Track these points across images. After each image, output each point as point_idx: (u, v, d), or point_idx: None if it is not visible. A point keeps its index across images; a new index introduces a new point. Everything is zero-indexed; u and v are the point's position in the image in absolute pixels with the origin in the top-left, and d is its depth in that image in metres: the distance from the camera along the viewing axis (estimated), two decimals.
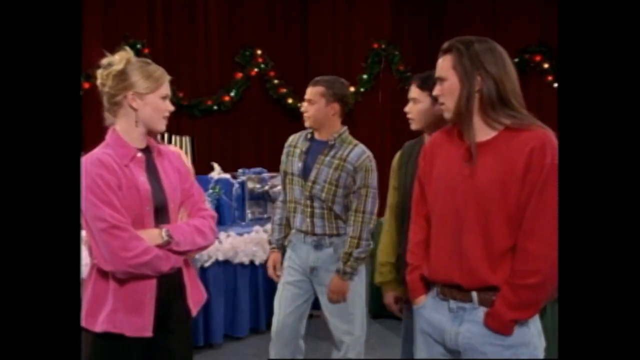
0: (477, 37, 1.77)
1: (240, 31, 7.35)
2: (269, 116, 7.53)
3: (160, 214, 1.93)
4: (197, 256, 3.67)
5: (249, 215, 4.39)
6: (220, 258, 3.87)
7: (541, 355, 1.73)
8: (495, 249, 1.70)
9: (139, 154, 1.92)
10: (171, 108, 1.97)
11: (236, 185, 4.28)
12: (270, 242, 2.98)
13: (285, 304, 2.82)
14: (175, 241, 1.89)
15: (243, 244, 3.99)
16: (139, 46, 6.38)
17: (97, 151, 1.89)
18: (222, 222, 4.18)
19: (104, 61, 1.92)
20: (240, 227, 4.22)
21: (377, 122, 7.79)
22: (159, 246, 1.86)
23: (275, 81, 7.48)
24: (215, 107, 7.06)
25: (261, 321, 4.23)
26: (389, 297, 2.54)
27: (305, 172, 2.76)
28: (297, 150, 2.82)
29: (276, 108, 7.58)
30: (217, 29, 7.22)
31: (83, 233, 1.85)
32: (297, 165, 2.79)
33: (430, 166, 1.86)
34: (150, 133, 1.98)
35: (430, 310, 1.83)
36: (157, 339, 1.90)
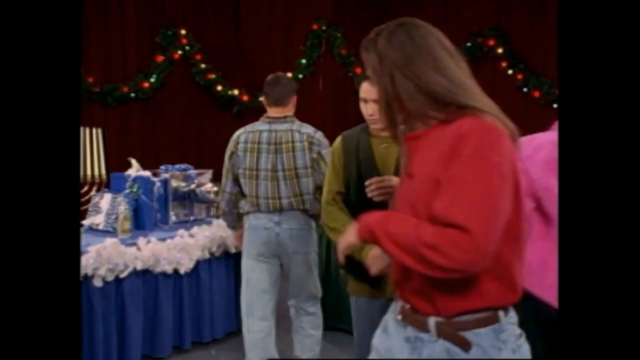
0: (395, 21, 1.53)
1: (161, 8, 7.05)
2: (196, 105, 7.28)
3: None
4: (111, 266, 3.42)
5: (173, 218, 4.21)
6: (139, 267, 3.63)
7: None
8: None
9: None
10: None
11: (158, 184, 4.10)
12: None
13: None
14: None
15: (166, 250, 3.79)
16: None
17: None
18: (141, 226, 3.99)
19: None
20: (163, 231, 4.03)
21: (318, 112, 7.68)
22: None
23: (203, 65, 7.20)
24: (132, 95, 6.82)
25: (185, 339, 3.97)
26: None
27: None
28: None
29: (203, 96, 7.32)
30: (135, 4, 6.89)
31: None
32: None
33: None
34: None
35: (386, 336, 1.58)
36: None
